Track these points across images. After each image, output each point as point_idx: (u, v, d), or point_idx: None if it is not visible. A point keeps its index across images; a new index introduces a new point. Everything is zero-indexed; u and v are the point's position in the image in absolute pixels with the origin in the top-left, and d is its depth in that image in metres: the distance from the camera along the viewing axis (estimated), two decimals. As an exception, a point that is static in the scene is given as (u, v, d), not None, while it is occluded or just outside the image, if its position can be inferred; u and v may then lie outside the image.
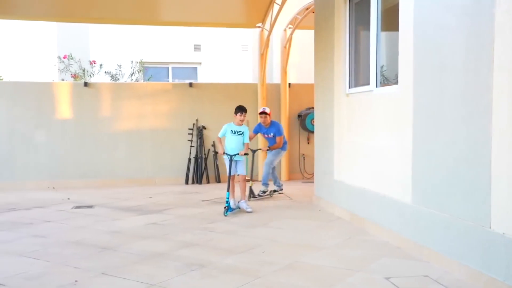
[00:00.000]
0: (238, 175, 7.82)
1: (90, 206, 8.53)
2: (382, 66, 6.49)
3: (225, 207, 7.58)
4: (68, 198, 9.38)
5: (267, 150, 9.25)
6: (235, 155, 7.68)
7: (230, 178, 7.75)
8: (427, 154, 5.13)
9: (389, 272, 4.72)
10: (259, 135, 10.29)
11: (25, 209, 8.35)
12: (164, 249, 5.60)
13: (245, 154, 7.68)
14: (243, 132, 7.78)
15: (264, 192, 9.32)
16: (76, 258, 5.29)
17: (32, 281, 4.52)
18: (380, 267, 4.90)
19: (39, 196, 9.77)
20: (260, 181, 10.36)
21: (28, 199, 9.35)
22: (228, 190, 7.65)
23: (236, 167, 7.75)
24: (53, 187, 10.88)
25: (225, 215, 7.51)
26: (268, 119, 9.06)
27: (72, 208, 8.37)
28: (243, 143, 7.81)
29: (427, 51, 5.09)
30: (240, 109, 7.85)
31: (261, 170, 10.70)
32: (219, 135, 7.84)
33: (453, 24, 4.64)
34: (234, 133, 7.74)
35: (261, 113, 9.07)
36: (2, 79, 12.98)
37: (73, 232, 6.60)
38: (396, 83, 5.82)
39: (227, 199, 7.62)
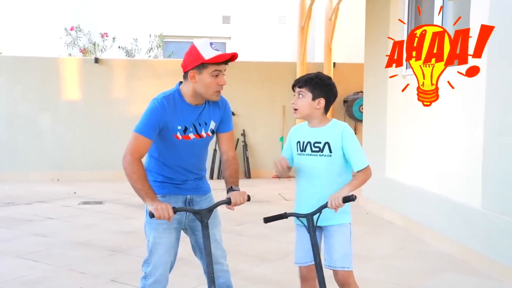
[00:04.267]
0: (335, 269, 3.38)
1: (100, 202, 8.64)
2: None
3: None
4: (75, 192, 9.52)
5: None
6: (317, 211, 3.23)
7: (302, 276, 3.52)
8: (500, 148, 4.98)
9: (452, 289, 4.63)
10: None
11: (25, 203, 8.50)
12: (184, 254, 5.60)
13: (349, 200, 3.15)
14: (327, 142, 3.32)
15: None
16: (82, 262, 5.35)
17: (31, 287, 4.60)
18: (440, 283, 4.80)
19: (42, 189, 9.93)
20: None
21: (29, 193, 9.52)
22: None
23: (326, 243, 3.44)
24: (58, 179, 11.07)
25: None
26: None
27: (79, 204, 8.49)
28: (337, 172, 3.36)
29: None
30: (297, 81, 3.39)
31: None
32: (282, 152, 3.52)
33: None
34: (303, 150, 3.38)
35: (218, 61, 3.19)
36: (0, 53, 13.25)
37: (79, 231, 6.68)
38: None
39: None
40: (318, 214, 3.21)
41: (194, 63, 3.16)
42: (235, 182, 3.35)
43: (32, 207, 8.20)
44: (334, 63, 11.94)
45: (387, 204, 7.50)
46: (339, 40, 12.37)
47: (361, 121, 11.40)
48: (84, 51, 12.32)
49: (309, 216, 3.20)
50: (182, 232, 3.53)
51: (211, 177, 11.42)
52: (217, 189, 3.97)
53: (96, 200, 8.81)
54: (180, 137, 3.27)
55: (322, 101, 3.30)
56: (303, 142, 3.36)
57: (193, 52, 3.18)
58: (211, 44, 3.19)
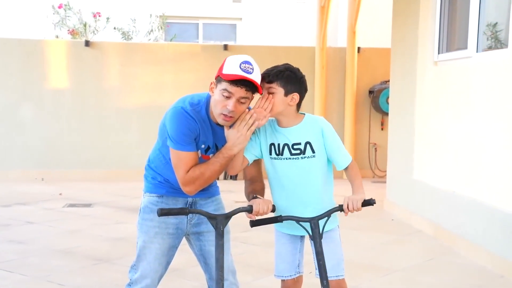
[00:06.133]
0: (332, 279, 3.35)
1: (88, 205, 8.68)
2: (495, 24, 6.30)
3: None
4: (60, 194, 9.56)
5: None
6: (326, 215, 3.20)
7: None
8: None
9: (485, 309, 4.57)
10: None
11: (3, 206, 8.55)
12: (180, 264, 5.59)
13: (368, 204, 3.17)
14: (308, 142, 3.27)
15: None
16: (62, 272, 5.36)
17: (1, 300, 4.63)
18: (473, 302, 4.74)
19: (23, 189, 9.99)
20: None
21: (8, 193, 9.58)
22: None
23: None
24: (42, 179, 11.12)
25: None
26: None
27: (64, 207, 8.52)
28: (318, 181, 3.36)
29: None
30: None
31: None
32: (245, 153, 3.35)
33: None
34: (280, 154, 3.30)
35: (243, 81, 3.14)
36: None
37: (61, 237, 6.71)
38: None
39: None
40: (327, 218, 3.13)
41: (217, 74, 3.17)
42: (261, 193, 3.30)
43: (10, 210, 8.26)
44: (358, 48, 11.84)
45: (415, 209, 7.45)
46: (364, 22, 12.29)
47: (388, 114, 11.35)
48: (73, 32, 12.35)
49: (315, 221, 3.11)
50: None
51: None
52: (223, 191, 3.92)
53: (83, 203, 8.84)
54: (200, 155, 3.27)
55: (296, 97, 3.21)
56: (279, 144, 3.27)
57: (222, 63, 3.18)
58: (244, 62, 3.12)
